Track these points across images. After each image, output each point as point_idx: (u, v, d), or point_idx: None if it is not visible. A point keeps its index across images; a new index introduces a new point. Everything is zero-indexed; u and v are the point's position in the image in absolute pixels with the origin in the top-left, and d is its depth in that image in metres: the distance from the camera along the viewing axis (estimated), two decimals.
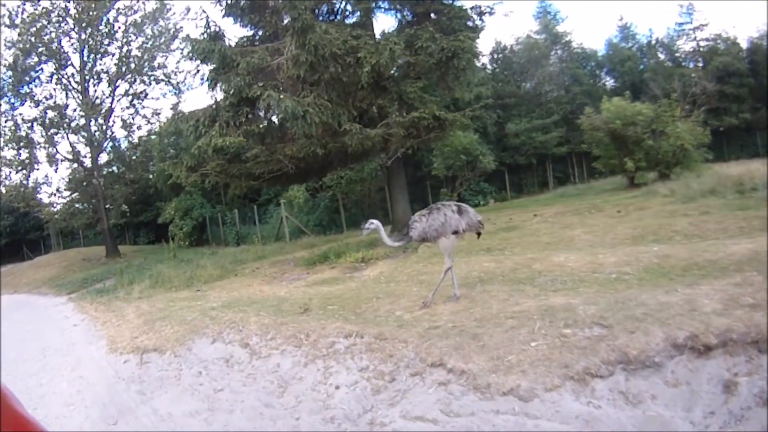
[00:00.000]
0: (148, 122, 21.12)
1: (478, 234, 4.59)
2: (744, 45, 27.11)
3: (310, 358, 3.78)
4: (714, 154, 15.84)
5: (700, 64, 26.79)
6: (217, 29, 9.02)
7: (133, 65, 19.38)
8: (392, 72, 8.84)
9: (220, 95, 9.15)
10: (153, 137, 22.38)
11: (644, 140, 14.13)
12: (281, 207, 17.29)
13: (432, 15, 9.62)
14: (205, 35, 8.87)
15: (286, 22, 9.20)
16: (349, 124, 8.50)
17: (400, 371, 3.19)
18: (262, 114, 9.21)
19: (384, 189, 18.99)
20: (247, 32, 10.22)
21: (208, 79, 9.00)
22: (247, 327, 4.59)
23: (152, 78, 20.07)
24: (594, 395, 2.59)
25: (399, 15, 10.37)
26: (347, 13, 10.39)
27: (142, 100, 20.45)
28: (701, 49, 27.12)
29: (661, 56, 28.96)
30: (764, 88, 24.79)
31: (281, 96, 7.96)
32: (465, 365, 2.94)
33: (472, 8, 9.96)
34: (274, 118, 9.16)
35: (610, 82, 28.90)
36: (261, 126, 9.26)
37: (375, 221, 4.52)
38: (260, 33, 10.05)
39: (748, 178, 9.69)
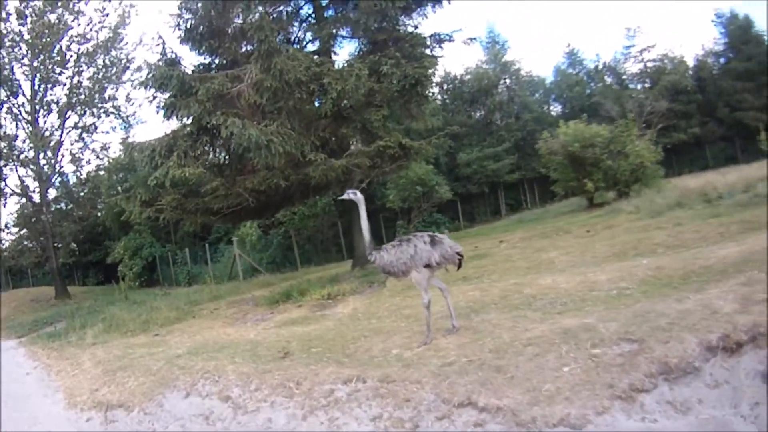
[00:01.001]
0: (97, 157, 22.04)
1: (459, 266, 4.64)
2: (691, 63, 31.37)
3: (308, 409, 3.63)
4: (665, 170, 17.67)
5: (648, 85, 30.39)
6: (174, 55, 9.33)
7: (83, 96, 20.00)
8: (356, 100, 9.18)
9: (176, 125, 9.40)
10: (102, 173, 23.45)
11: (603, 161, 15.56)
12: (234, 245, 17.88)
13: (391, 43, 10.22)
14: (162, 62, 9.18)
15: (245, 48, 9.64)
16: (313, 154, 8.78)
17: (422, 416, 3.11)
18: (221, 144, 9.44)
19: (337, 224, 20.24)
20: (204, 60, 10.64)
21: (164, 107, 9.12)
22: (225, 377, 4.46)
23: (102, 110, 20.82)
24: (644, 410, 2.72)
25: (359, 43, 11.02)
26: (305, 42, 11.08)
27: (92, 134, 21.24)
28: (648, 70, 30.82)
29: (609, 80, 32.70)
30: (712, 103, 28.60)
31: (244, 123, 8.11)
32: (499, 401, 2.92)
33: (431, 36, 10.71)
34: (235, 149, 9.22)
35: (558, 108, 32.17)
36: (221, 156, 9.62)
37: (358, 192, 4.63)
38: (217, 60, 10.52)
39: (710, 188, 10.94)
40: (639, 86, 31.07)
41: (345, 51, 20.70)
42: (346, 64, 9.47)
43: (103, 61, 20.32)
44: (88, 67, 20.19)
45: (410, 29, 10.75)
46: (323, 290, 8.18)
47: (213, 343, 6.17)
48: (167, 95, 9.03)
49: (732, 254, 5.17)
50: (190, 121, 8.90)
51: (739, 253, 5.10)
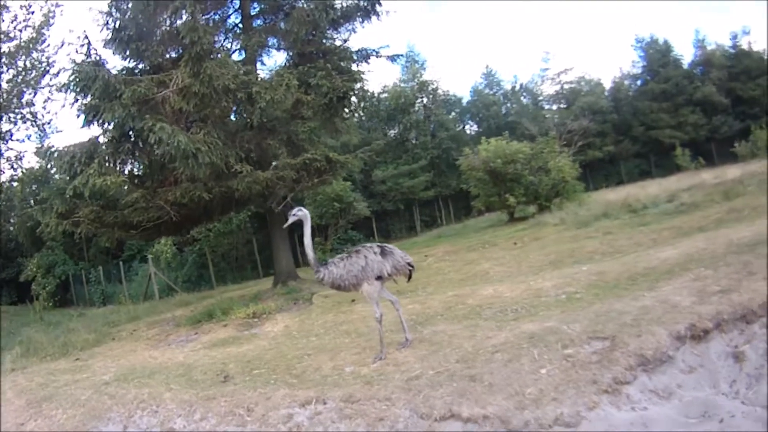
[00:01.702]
0: (11, 167, 21.09)
1: (409, 277, 4.72)
2: (608, 85, 35.28)
3: None
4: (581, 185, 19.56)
5: (563, 105, 33.63)
6: (98, 57, 9.18)
7: (1, 100, 19.18)
8: (285, 110, 9.47)
9: (96, 132, 9.39)
10: (15, 184, 23.10)
11: (524, 176, 16.82)
12: (149, 262, 18.18)
13: (319, 56, 10.49)
14: (86, 64, 8.98)
15: (171, 54, 9.83)
16: (239, 165, 8.88)
17: None
18: (144, 152, 9.33)
19: (252, 241, 20.90)
20: (128, 64, 10.66)
21: (86, 110, 9.05)
22: (163, 406, 4.33)
23: (19, 116, 20.01)
24: (631, 400, 2.89)
25: (287, 54, 11.20)
26: (231, 52, 11.08)
27: (7, 142, 20.28)
28: (564, 92, 34.18)
29: (525, 100, 35.85)
30: (627, 122, 32.26)
31: (174, 129, 8.03)
32: (483, 410, 2.89)
33: (358, 51, 11.13)
34: (161, 157, 9.06)
35: (473, 127, 34.60)
36: (142, 166, 9.54)
37: (302, 209, 4.63)
38: (142, 65, 10.43)
39: (633, 200, 12.23)
40: (555, 107, 34.47)
41: (269, 63, 20.91)
42: (274, 74, 9.57)
43: (24, 63, 19.60)
44: (8, 69, 19.39)
45: (338, 43, 11.15)
46: (247, 309, 8.35)
47: (141, 367, 6.05)
48: (89, 99, 8.98)
49: (672, 256, 5.75)
50: (112, 126, 8.91)
51: (679, 255, 5.69)
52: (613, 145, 31.15)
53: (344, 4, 10.55)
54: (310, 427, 3.43)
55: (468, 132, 33.29)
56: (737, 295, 3.63)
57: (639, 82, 34.56)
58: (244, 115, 9.59)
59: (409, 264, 4.60)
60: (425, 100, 30.97)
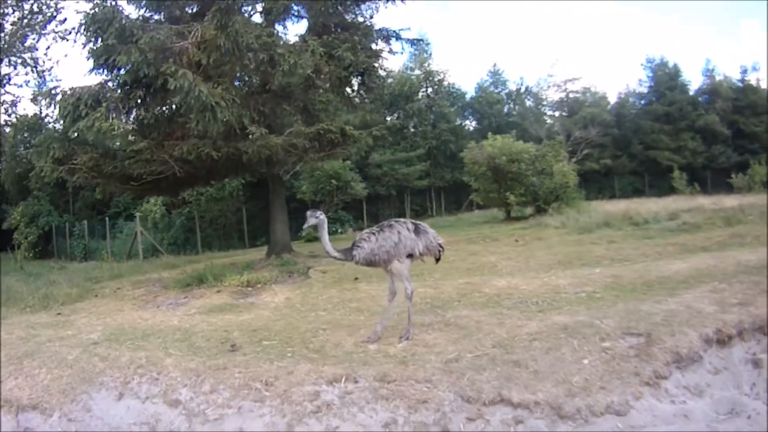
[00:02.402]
0: (5, 111, 21.24)
1: (437, 259, 4.79)
2: (613, 99, 36.46)
3: (293, 417, 3.35)
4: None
5: (565, 113, 34.59)
6: (114, 2, 9.08)
7: (2, 42, 18.96)
8: (307, 77, 9.40)
9: (104, 78, 9.27)
10: (7, 129, 23.38)
11: (527, 176, 17.20)
12: (136, 221, 18.16)
13: (341, 29, 10.61)
14: (101, 5, 8.95)
15: (192, 9, 9.76)
16: (254, 126, 8.76)
17: (449, 419, 3.14)
18: (156, 101, 9.23)
19: (241, 210, 21.13)
20: (144, 14, 10.51)
21: (98, 54, 8.84)
22: (165, 373, 4.03)
23: (20, 60, 19.78)
24: (669, 394, 3.22)
25: (309, 23, 11.13)
26: (251, 14, 10.97)
27: (4, 86, 20.27)
28: (569, 100, 35.13)
29: (529, 103, 36.69)
30: (627, 139, 33.18)
31: (195, 79, 7.91)
32: (533, 396, 3.15)
33: (379, 30, 11.24)
34: (177, 107, 9.12)
35: (473, 123, 35.10)
36: (155, 114, 9.33)
37: (321, 213, 4.51)
38: (158, 16, 10.33)
39: (634, 213, 12.66)
40: (557, 113, 35.57)
41: (291, 31, 20.95)
42: (298, 40, 9.68)
43: (30, 7, 19.18)
44: (14, 11, 19.10)
45: (360, 19, 11.23)
46: (241, 276, 8.28)
47: (131, 328, 5.83)
48: (102, 43, 8.82)
49: (683, 269, 6.19)
50: (124, 71, 8.72)
51: (689, 269, 6.13)
52: (610, 159, 32.05)
53: None
54: (341, 407, 3.35)
55: (467, 127, 33.75)
56: (754, 308, 4.07)
57: (643, 101, 35.46)
58: (261, 78, 9.62)
59: (440, 245, 4.68)
60: (429, 90, 31.37)
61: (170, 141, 9.45)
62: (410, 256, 4.51)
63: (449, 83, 32.61)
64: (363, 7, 10.92)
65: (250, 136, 8.82)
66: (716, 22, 54.66)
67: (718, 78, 34.57)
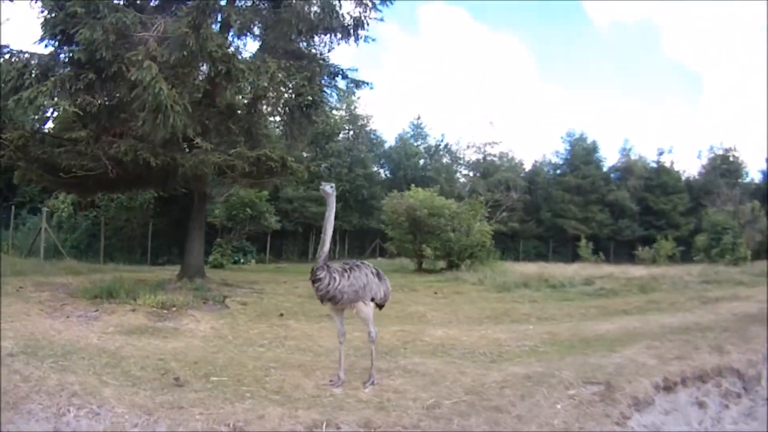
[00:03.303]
0: None
1: (380, 306, 5.00)
2: (528, 165, 40.54)
3: None
4: None
5: (478, 174, 37.70)
6: None
7: None
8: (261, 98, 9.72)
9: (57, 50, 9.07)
10: None
11: (446, 231, 18.35)
12: (42, 216, 17.88)
13: (294, 57, 10.89)
14: None
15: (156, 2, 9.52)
16: (200, 138, 8.79)
17: None
18: (106, 90, 9.00)
19: (148, 225, 20.99)
20: None
21: (54, 24, 8.63)
22: (107, 407, 3.74)
23: None
24: (657, 420, 3.96)
25: (265, 44, 11.22)
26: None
27: None
28: (485, 162, 38.49)
29: (446, 160, 39.51)
30: (537, 205, 37.00)
31: (158, 74, 7.75)
32: None
33: (328, 65, 11.69)
34: (116, 100, 8.89)
35: (386, 173, 37.16)
36: (100, 103, 8.93)
37: (332, 186, 4.61)
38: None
39: (548, 275, 14.05)
40: (471, 173, 38.70)
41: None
42: (257, 59, 9.78)
43: None
44: None
45: (313, 51, 11.69)
46: (155, 296, 8.14)
47: (47, 342, 5.48)
48: (62, 13, 8.53)
49: (612, 329, 7.20)
50: (80, 49, 8.51)
51: (618, 329, 7.15)
52: (518, 222, 35.00)
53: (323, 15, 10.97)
54: None
55: (380, 176, 35.68)
56: (691, 361, 4.96)
57: (558, 172, 39.85)
58: (212, 91, 9.76)
59: (387, 293, 4.96)
60: (351, 132, 32.59)
61: (108, 137, 9.26)
62: (373, 299, 4.73)
63: (371, 129, 34.56)
64: (317, 40, 11.39)
65: (194, 149, 8.85)
66: (638, 105, 62.87)
67: (633, 157, 39.96)
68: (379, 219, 30.50)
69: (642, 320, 7.68)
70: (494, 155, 38.62)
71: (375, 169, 35.12)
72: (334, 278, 4.38)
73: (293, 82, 9.82)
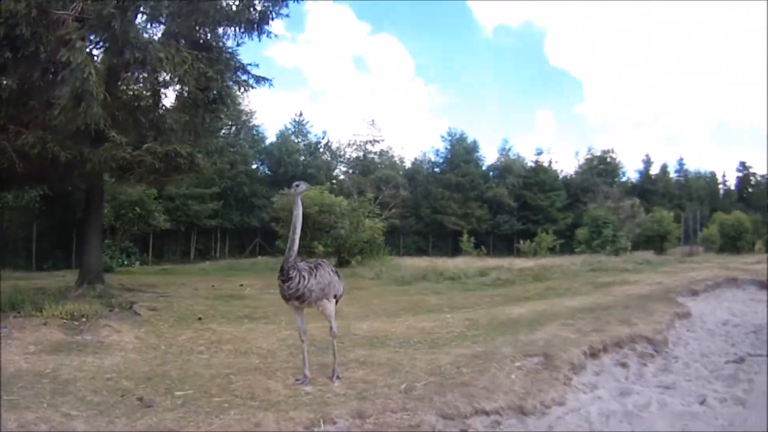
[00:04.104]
0: None
1: (336, 302, 5.32)
2: (408, 164, 43.39)
3: None
4: None
5: (358, 171, 39.68)
6: None
7: None
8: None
9: None
10: None
11: (336, 228, 19.17)
12: None
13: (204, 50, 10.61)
14: None
15: None
16: (114, 132, 8.47)
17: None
18: (19, 72, 8.25)
19: (32, 226, 20.71)
20: None
21: None
22: None
23: None
24: (579, 389, 4.78)
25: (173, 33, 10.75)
26: None
27: None
28: (365, 159, 40.46)
29: (326, 157, 40.96)
30: (417, 201, 39.52)
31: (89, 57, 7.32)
32: (497, 404, 4.21)
33: (229, 58, 11.45)
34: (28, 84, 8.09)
35: (265, 170, 37.57)
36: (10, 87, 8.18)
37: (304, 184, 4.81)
38: None
39: (442, 268, 15.23)
40: (351, 171, 40.55)
41: None
42: (173, 49, 9.40)
43: None
44: None
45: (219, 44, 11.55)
46: (61, 307, 7.81)
47: None
48: None
49: (525, 312, 8.28)
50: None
51: (530, 312, 8.26)
52: (398, 219, 36.95)
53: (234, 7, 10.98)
54: None
55: (261, 173, 36.30)
56: (606, 333, 6.14)
57: (437, 170, 42.97)
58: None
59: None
60: (234, 128, 32.49)
61: (15, 126, 8.63)
62: (335, 297, 5.04)
63: (254, 125, 35.12)
64: (221, 32, 11.24)
65: (103, 143, 8.48)
66: (516, 109, 68.96)
67: (512, 157, 44.34)
68: (260, 217, 31.02)
69: (547, 304, 8.93)
70: (374, 153, 40.67)
71: (255, 166, 35.73)
72: (304, 277, 4.56)
73: (207, 75, 9.69)
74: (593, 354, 5.50)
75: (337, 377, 4.86)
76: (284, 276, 4.53)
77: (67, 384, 4.74)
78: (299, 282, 4.52)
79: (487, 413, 4.12)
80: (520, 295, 10.82)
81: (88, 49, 8.26)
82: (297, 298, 4.61)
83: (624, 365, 5.50)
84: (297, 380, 4.78)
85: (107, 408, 4.18)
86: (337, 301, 5.21)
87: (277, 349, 6.26)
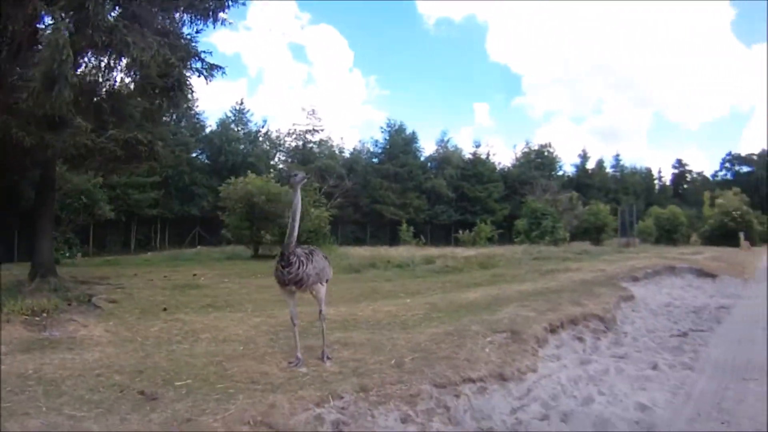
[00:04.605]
0: None
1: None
2: (347, 154, 44.08)
3: None
4: None
5: (296, 161, 39.58)
6: None
7: None
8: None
9: None
10: None
11: (282, 217, 19.35)
12: None
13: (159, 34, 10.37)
14: None
15: None
16: (80, 117, 8.27)
17: (442, 399, 4.35)
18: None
19: None
20: None
21: None
22: None
23: None
24: (546, 359, 5.44)
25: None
26: None
27: None
28: (304, 149, 40.87)
29: (266, 146, 41.13)
30: (356, 191, 39.67)
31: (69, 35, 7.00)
32: (480, 372, 4.74)
33: (186, 44, 11.28)
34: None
35: (205, 159, 37.18)
36: None
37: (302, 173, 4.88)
38: None
39: (388, 257, 15.99)
40: (290, 160, 40.47)
41: None
42: (139, 32, 9.13)
43: None
44: None
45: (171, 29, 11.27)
46: (20, 303, 7.48)
47: None
48: None
49: (479, 297, 8.91)
50: None
51: (484, 296, 8.90)
52: (337, 208, 37.28)
53: None
54: (355, 420, 3.91)
55: (200, 161, 35.96)
56: (561, 312, 6.81)
57: (376, 160, 43.83)
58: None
59: None
60: (176, 115, 31.99)
61: None
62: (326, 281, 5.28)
63: (195, 113, 34.44)
64: (185, 19, 11.09)
65: (66, 130, 8.28)
66: (455, 102, 72.36)
67: (450, 148, 45.35)
68: (200, 206, 30.57)
69: (499, 289, 9.61)
70: (314, 143, 41.01)
71: (194, 154, 35.28)
72: (302, 262, 4.72)
73: (170, 61, 9.55)
74: (553, 330, 6.16)
75: (327, 358, 5.08)
76: (285, 262, 4.69)
77: (57, 384, 4.54)
78: (299, 267, 4.68)
79: (473, 381, 4.62)
80: (470, 282, 11.48)
81: None
82: (295, 283, 4.78)
83: (581, 339, 6.24)
84: (290, 363, 4.94)
85: (111, 405, 4.06)
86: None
87: (254, 335, 6.36)
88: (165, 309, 8.17)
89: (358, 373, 4.63)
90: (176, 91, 10.29)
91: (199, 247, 27.04)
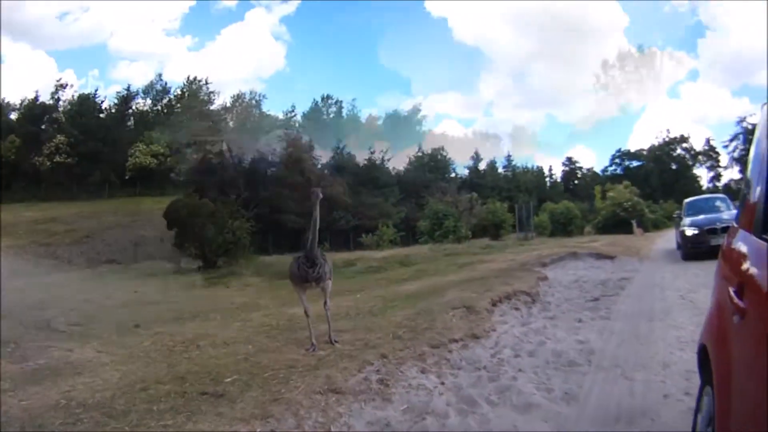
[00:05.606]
0: None
1: None
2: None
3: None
4: None
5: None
6: None
7: None
8: None
9: None
10: None
11: (207, 230, 19.83)
12: None
13: None
14: None
15: None
16: None
17: (440, 352, 5.65)
18: None
19: None
20: None
21: None
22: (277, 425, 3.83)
23: None
24: (498, 323, 7.09)
25: None
26: None
27: None
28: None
29: None
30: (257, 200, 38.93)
31: None
32: (459, 334, 6.15)
33: None
34: None
35: None
36: None
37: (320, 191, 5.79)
38: None
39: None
40: None
41: None
42: None
43: None
44: None
45: None
46: None
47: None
48: None
49: (419, 288, 10.59)
50: None
51: (422, 287, 10.62)
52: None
53: None
54: (390, 377, 4.74)
55: None
56: (495, 292, 8.52)
57: (273, 169, 43.52)
58: None
59: None
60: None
61: None
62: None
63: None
64: None
65: None
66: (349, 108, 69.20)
67: (345, 156, 46.58)
68: None
69: (430, 281, 11.27)
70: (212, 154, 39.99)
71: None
72: (322, 263, 5.67)
73: None
74: (494, 304, 7.84)
75: (335, 341, 5.89)
76: (310, 263, 5.63)
77: (109, 405, 4.19)
78: (320, 267, 5.65)
79: (456, 341, 6.06)
80: (399, 278, 13.00)
81: None
82: (316, 280, 5.72)
83: (517, 309, 8.01)
84: (307, 349, 5.61)
85: (189, 409, 4.03)
86: None
87: (248, 336, 6.74)
88: (137, 326, 8.25)
89: (371, 346, 5.56)
90: None
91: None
